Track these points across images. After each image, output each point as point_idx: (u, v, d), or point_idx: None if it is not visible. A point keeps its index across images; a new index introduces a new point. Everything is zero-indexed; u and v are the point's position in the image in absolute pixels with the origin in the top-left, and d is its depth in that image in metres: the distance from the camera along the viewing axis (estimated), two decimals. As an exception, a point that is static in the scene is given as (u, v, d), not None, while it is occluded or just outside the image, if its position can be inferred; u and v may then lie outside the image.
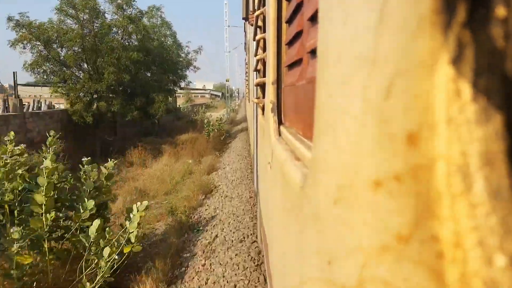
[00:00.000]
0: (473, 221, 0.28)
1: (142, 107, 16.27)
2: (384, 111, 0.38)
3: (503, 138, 0.28)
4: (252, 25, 3.60)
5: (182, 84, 21.59)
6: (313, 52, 1.07)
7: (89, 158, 3.81)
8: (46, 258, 3.09)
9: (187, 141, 14.23)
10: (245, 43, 13.23)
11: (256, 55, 2.61)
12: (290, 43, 1.50)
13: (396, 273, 0.36)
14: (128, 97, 15.82)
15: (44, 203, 3.06)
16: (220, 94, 73.19)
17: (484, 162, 0.28)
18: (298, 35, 1.32)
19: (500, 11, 0.27)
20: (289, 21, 1.52)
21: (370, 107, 0.41)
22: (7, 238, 2.81)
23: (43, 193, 3.06)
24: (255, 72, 3.27)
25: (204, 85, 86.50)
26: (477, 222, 0.28)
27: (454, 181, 0.30)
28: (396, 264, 0.36)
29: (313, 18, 1.06)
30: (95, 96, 14.89)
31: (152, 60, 16.97)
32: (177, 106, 28.22)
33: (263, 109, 2.34)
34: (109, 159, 3.90)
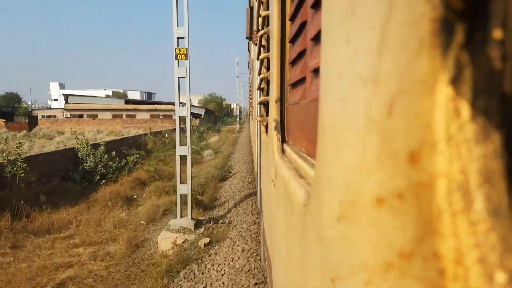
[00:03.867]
0: (473, 238, 0.29)
1: None
2: (386, 129, 0.38)
3: (502, 157, 0.29)
4: (256, 44, 3.65)
5: None
6: (316, 71, 1.09)
7: None
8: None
9: None
10: (248, 62, 13.33)
11: (260, 73, 2.63)
12: (294, 62, 1.52)
13: None
14: None
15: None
16: (202, 112, 45.70)
17: (484, 180, 0.29)
18: (301, 54, 1.34)
19: (497, 33, 0.28)
20: (293, 40, 1.55)
21: (372, 125, 0.42)
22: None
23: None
24: (258, 91, 3.30)
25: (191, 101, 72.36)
26: (477, 239, 0.28)
27: (455, 198, 0.30)
28: (399, 281, 0.36)
29: (316, 38, 1.08)
30: None
31: None
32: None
33: (266, 127, 2.35)
34: None
